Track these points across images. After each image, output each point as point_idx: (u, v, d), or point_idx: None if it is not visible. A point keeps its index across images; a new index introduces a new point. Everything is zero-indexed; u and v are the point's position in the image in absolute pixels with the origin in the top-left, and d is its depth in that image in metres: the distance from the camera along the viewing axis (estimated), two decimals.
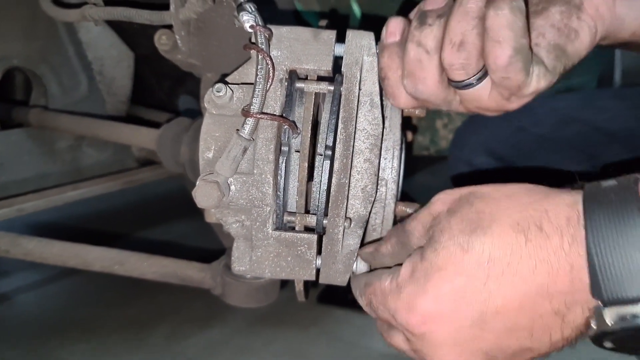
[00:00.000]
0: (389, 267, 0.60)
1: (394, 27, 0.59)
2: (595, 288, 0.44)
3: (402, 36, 0.59)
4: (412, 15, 0.61)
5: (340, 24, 0.69)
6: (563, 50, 0.55)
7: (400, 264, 0.55)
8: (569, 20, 0.55)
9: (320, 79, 0.67)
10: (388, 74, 0.61)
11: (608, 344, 0.46)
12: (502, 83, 0.54)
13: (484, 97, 0.57)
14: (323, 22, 0.72)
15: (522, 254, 0.47)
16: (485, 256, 0.48)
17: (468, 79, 0.55)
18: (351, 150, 0.63)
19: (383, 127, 0.65)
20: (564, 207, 0.47)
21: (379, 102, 0.64)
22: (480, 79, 0.55)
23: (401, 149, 0.69)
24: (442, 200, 0.54)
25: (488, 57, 0.52)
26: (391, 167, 0.68)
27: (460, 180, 1.11)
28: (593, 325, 0.46)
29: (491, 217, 0.49)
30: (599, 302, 0.45)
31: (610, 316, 0.44)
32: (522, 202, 0.49)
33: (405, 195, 0.75)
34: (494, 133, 1.09)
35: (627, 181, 0.46)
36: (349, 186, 0.63)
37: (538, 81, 0.54)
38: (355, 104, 0.63)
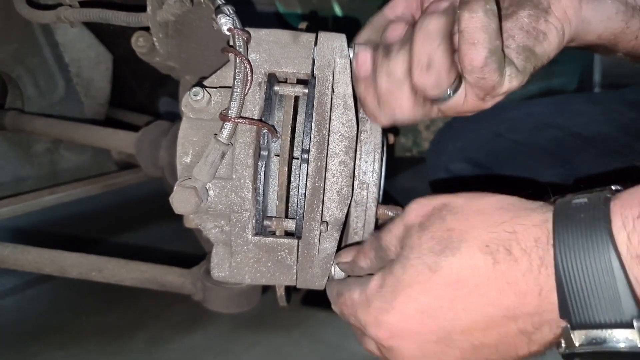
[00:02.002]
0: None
1: (363, 58, 0.60)
2: (564, 310, 0.44)
3: (373, 66, 0.60)
4: (367, 31, 0.63)
5: (322, 25, 0.69)
6: (532, 51, 0.57)
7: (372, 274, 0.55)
8: (537, 23, 0.57)
9: (300, 82, 0.66)
10: (366, 102, 0.63)
11: None
12: (477, 84, 0.55)
13: (460, 103, 0.58)
14: (303, 25, 0.72)
15: (490, 276, 0.47)
16: (453, 277, 0.48)
17: (443, 93, 0.57)
18: (325, 153, 0.62)
19: (358, 129, 0.65)
20: (533, 228, 0.46)
21: (352, 104, 0.64)
22: (455, 90, 0.57)
23: (382, 152, 0.69)
24: (416, 211, 0.54)
25: (464, 59, 0.53)
26: (372, 171, 0.67)
27: (439, 186, 1.11)
28: (562, 344, 0.46)
29: (460, 236, 0.49)
30: (568, 325, 0.44)
31: (578, 338, 0.44)
32: (492, 220, 0.49)
33: (387, 196, 0.75)
34: (471, 139, 1.10)
35: (598, 199, 0.45)
36: (324, 189, 0.63)
37: (510, 81, 0.56)
38: (328, 107, 0.63)
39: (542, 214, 0.47)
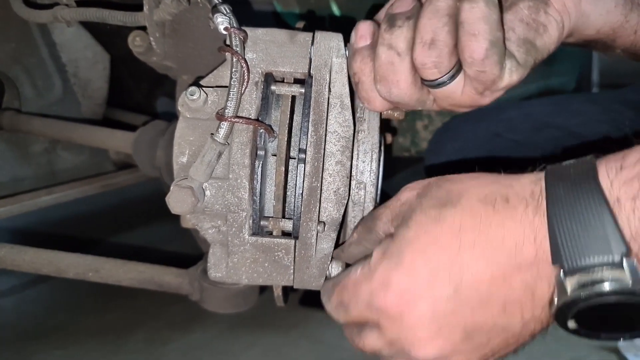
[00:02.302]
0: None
1: (363, 30, 0.59)
2: (556, 256, 0.45)
3: (373, 39, 0.59)
4: (379, 17, 0.61)
5: (319, 25, 0.68)
6: (533, 44, 0.56)
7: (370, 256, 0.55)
8: (537, 15, 0.56)
9: (298, 81, 0.66)
10: (361, 78, 0.61)
11: (572, 324, 0.46)
12: (477, 77, 0.54)
13: (458, 94, 0.58)
14: (300, 24, 0.72)
15: (491, 222, 0.48)
16: (457, 225, 0.49)
17: (441, 77, 0.56)
18: (322, 153, 0.62)
19: (354, 129, 0.65)
20: (528, 183, 0.48)
21: (349, 104, 0.63)
22: (453, 77, 0.56)
23: (380, 151, 0.68)
24: (411, 187, 0.55)
25: (464, 51, 0.53)
26: (370, 170, 0.67)
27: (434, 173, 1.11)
28: (555, 300, 0.46)
29: (459, 193, 0.50)
30: (561, 271, 0.45)
31: (570, 284, 0.44)
32: (488, 180, 0.51)
33: (385, 196, 0.74)
34: (470, 139, 1.10)
35: (585, 158, 0.48)
36: (320, 189, 0.63)
37: (510, 75, 0.55)
38: (325, 107, 0.63)
39: (534, 175, 0.49)
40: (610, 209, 0.43)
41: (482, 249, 0.48)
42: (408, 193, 0.55)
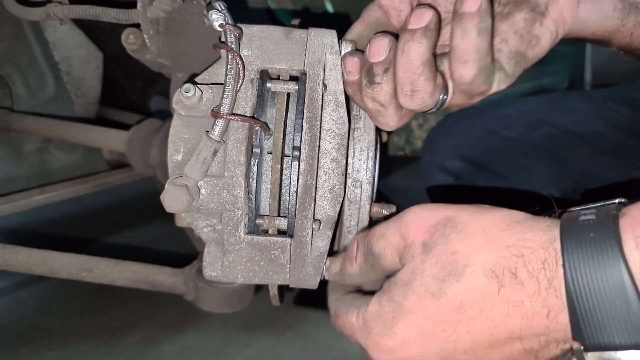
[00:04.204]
0: (358, 291, 0.61)
1: (350, 67, 0.60)
2: (577, 333, 0.43)
3: (359, 74, 0.60)
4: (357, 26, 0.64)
5: (313, 22, 0.68)
6: (524, 56, 0.56)
7: (369, 292, 0.55)
8: (532, 27, 0.55)
9: (293, 78, 0.65)
10: (356, 102, 0.64)
11: None
12: (465, 92, 0.56)
13: (448, 104, 0.59)
14: (295, 21, 0.71)
15: (495, 300, 0.46)
16: (457, 302, 0.47)
17: (428, 110, 0.58)
18: (317, 151, 0.62)
19: (349, 126, 0.64)
20: (540, 250, 0.45)
21: (343, 101, 0.63)
22: (441, 105, 0.58)
23: (376, 149, 0.68)
24: (417, 225, 0.52)
25: (453, 73, 0.54)
26: (366, 168, 0.67)
27: (435, 192, 1.11)
28: None
29: (465, 260, 0.48)
30: (581, 347, 0.44)
31: (592, 358, 0.43)
32: (498, 242, 0.48)
33: (380, 195, 0.74)
34: (466, 137, 1.10)
35: (606, 216, 0.44)
36: (316, 187, 0.62)
37: (499, 85, 0.56)
38: (320, 103, 0.62)
39: (548, 232, 0.46)
40: (637, 288, 0.41)
41: (482, 325, 0.47)
42: (414, 232, 0.52)
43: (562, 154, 1.01)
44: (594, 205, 0.47)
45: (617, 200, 0.46)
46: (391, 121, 0.60)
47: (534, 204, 0.52)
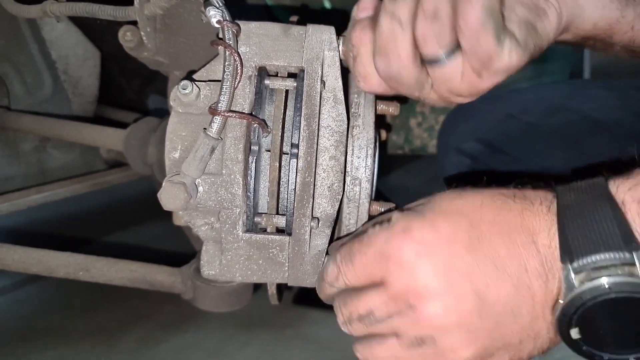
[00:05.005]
0: None
1: (366, 1, 0.58)
2: (565, 252, 0.46)
3: (375, 11, 0.58)
4: None
5: (310, 19, 0.67)
6: (533, 26, 0.55)
7: None
8: (537, 0, 0.55)
9: (292, 75, 0.65)
10: (360, 50, 0.58)
11: (575, 333, 0.46)
12: (474, 51, 0.52)
13: (456, 77, 0.56)
14: (294, 18, 0.71)
15: (511, 208, 0.50)
16: (478, 202, 0.51)
17: (441, 51, 0.54)
18: (315, 148, 0.61)
19: (348, 124, 0.64)
20: (541, 192, 0.51)
21: (342, 98, 0.63)
22: (452, 52, 0.54)
23: (375, 147, 0.68)
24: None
25: (459, 19, 0.51)
26: (365, 166, 0.66)
27: (450, 176, 1.10)
28: (561, 300, 0.46)
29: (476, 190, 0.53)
30: (570, 268, 0.45)
31: (579, 280, 0.45)
32: (497, 191, 0.53)
33: (379, 194, 0.74)
34: (483, 119, 1.09)
35: (596, 179, 0.49)
36: (314, 185, 0.62)
37: (510, 54, 0.53)
38: (318, 101, 0.62)
39: (544, 192, 0.51)
40: (619, 208, 0.45)
41: (500, 228, 0.49)
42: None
43: (580, 140, 1.00)
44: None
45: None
46: (404, 52, 0.55)
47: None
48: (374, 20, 0.57)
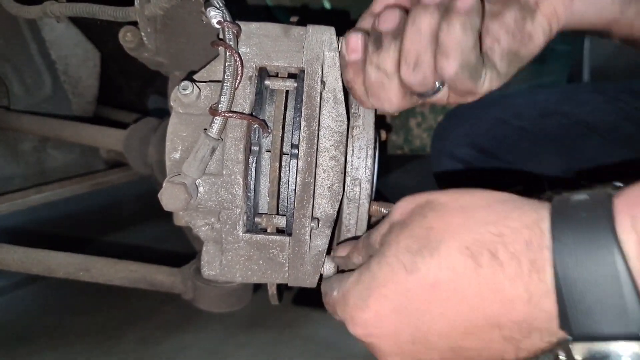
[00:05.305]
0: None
1: (353, 44, 0.59)
2: (564, 321, 0.41)
3: (363, 53, 0.59)
4: (363, 24, 0.62)
5: (310, 20, 0.67)
6: (516, 54, 0.56)
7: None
8: (522, 25, 0.55)
9: (292, 76, 0.65)
10: (354, 87, 0.62)
11: None
12: (453, 87, 0.56)
13: (444, 98, 0.59)
14: (294, 19, 0.71)
15: (471, 281, 0.44)
16: (430, 280, 0.46)
17: (427, 90, 0.57)
18: (315, 149, 0.61)
19: (348, 124, 0.64)
20: (524, 230, 0.43)
21: (342, 98, 0.63)
22: (438, 89, 0.58)
23: (375, 147, 0.68)
24: (401, 209, 0.53)
25: (437, 66, 0.54)
26: (365, 167, 0.66)
27: (444, 177, 1.11)
28: (561, 358, 0.42)
29: (439, 236, 0.46)
30: (568, 337, 0.41)
31: (580, 352, 0.40)
32: (475, 219, 0.46)
33: (379, 194, 0.74)
34: (476, 125, 1.10)
35: (600, 196, 0.42)
36: (314, 185, 0.62)
37: (490, 84, 0.56)
38: (318, 101, 0.62)
39: (534, 212, 0.43)
40: (632, 274, 0.38)
41: (457, 308, 0.45)
42: (397, 215, 0.53)
43: (572, 144, 1.01)
44: (588, 187, 0.44)
45: (614, 183, 0.44)
46: (393, 96, 0.58)
47: (539, 187, 0.51)
48: (363, 62, 0.60)
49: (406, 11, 0.57)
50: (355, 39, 0.59)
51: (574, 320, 0.40)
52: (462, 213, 0.47)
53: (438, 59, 0.53)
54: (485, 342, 0.46)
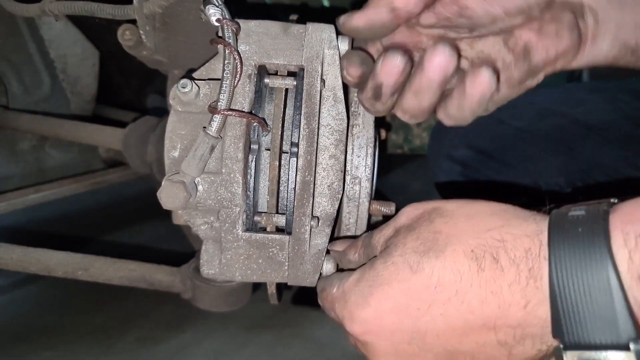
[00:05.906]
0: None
1: (353, 73, 0.62)
2: (557, 329, 0.42)
3: (359, 79, 0.62)
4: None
5: (309, 18, 0.67)
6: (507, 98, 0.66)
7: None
8: (524, 81, 0.67)
9: (291, 74, 0.65)
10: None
11: None
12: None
13: None
14: (294, 16, 0.71)
15: (473, 283, 0.45)
16: (434, 280, 0.47)
17: None
18: (315, 147, 0.61)
19: (348, 122, 0.63)
20: (524, 238, 0.45)
21: (342, 97, 0.62)
22: None
23: (375, 146, 0.68)
24: (407, 214, 0.54)
25: (396, 109, 0.61)
26: (365, 165, 0.66)
27: (443, 183, 1.10)
28: None
29: (446, 239, 0.48)
30: (560, 345, 0.42)
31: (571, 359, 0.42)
32: (480, 226, 0.48)
33: (379, 193, 0.73)
34: (474, 126, 1.09)
35: (597, 212, 0.43)
36: (314, 184, 0.62)
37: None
38: (318, 99, 0.61)
39: (535, 224, 0.46)
40: (623, 288, 0.40)
41: (457, 309, 0.46)
42: (403, 220, 0.54)
43: (570, 144, 1.01)
44: (586, 203, 0.46)
45: (610, 200, 0.45)
46: (382, 114, 0.62)
47: (539, 200, 0.52)
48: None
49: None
50: (353, 69, 0.62)
51: (567, 328, 0.42)
52: (468, 220, 0.49)
53: (397, 106, 0.60)
54: (479, 346, 0.47)
